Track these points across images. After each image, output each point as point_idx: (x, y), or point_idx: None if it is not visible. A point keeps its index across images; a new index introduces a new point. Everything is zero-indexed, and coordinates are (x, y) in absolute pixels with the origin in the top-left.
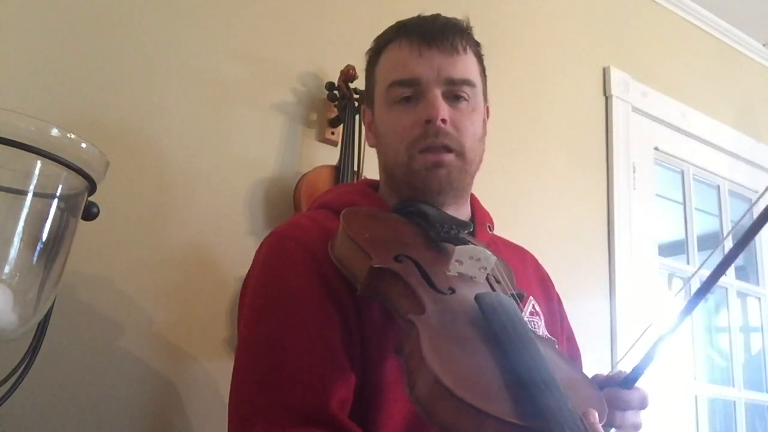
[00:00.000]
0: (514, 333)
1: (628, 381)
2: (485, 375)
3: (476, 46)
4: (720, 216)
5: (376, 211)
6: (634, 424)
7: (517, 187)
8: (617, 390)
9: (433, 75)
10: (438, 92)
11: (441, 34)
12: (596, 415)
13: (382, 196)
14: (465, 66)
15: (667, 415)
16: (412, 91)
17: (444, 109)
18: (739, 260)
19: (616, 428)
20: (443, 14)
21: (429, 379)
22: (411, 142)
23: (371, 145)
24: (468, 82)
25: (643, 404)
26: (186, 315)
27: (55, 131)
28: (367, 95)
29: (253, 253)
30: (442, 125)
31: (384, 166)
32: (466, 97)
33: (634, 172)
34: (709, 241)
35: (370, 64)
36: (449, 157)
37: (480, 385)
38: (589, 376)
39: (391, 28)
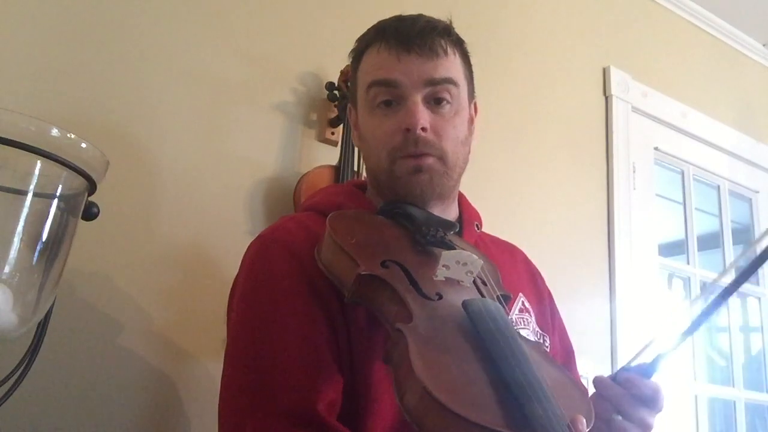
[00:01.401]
0: (502, 340)
1: (645, 370)
2: (474, 384)
3: (459, 45)
4: (720, 216)
5: (362, 213)
6: (643, 420)
7: (517, 186)
8: (633, 375)
9: (413, 79)
10: (418, 98)
11: (420, 38)
12: (584, 421)
13: (369, 198)
14: (446, 67)
15: (667, 415)
16: (391, 94)
17: (424, 117)
18: (739, 260)
19: (625, 417)
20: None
21: (418, 390)
22: (392, 149)
23: (356, 145)
24: (450, 81)
25: (655, 394)
26: (185, 315)
27: (55, 131)
28: (351, 95)
29: None
30: (422, 134)
31: (368, 170)
32: (449, 99)
33: (634, 172)
34: (709, 241)
35: (353, 65)
36: (430, 161)
37: (469, 394)
38: (590, 375)
39: (370, 29)
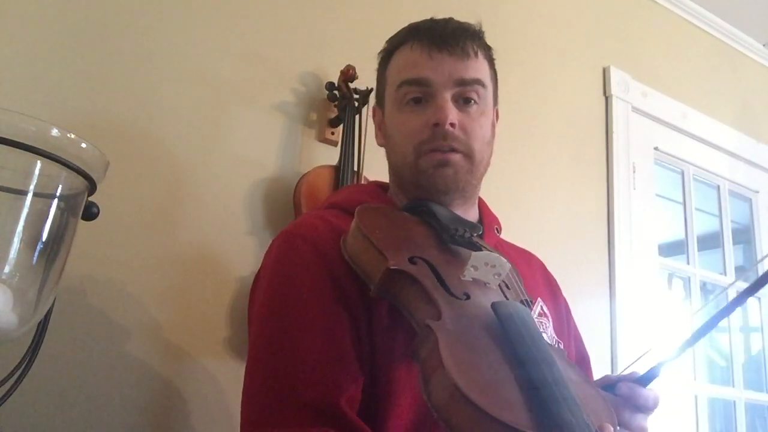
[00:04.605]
0: (532, 344)
1: (645, 379)
2: (502, 384)
3: (488, 50)
4: (720, 216)
5: (388, 209)
6: (641, 426)
7: (517, 187)
8: (634, 386)
9: (444, 78)
10: (448, 96)
11: (452, 38)
12: (611, 430)
13: (391, 197)
14: (476, 68)
15: (667, 415)
16: (421, 92)
17: (453, 113)
18: (739, 260)
19: (622, 426)
20: (444, 13)
21: (447, 386)
22: (419, 143)
23: (380, 145)
24: (479, 82)
25: (655, 404)
26: (186, 315)
27: (55, 131)
28: (377, 96)
29: (253, 253)
30: (451, 129)
31: (392, 167)
32: (476, 100)
33: (634, 172)
34: (709, 241)
35: (381, 66)
36: (456, 157)
37: (498, 394)
38: (597, 377)
39: (402, 30)
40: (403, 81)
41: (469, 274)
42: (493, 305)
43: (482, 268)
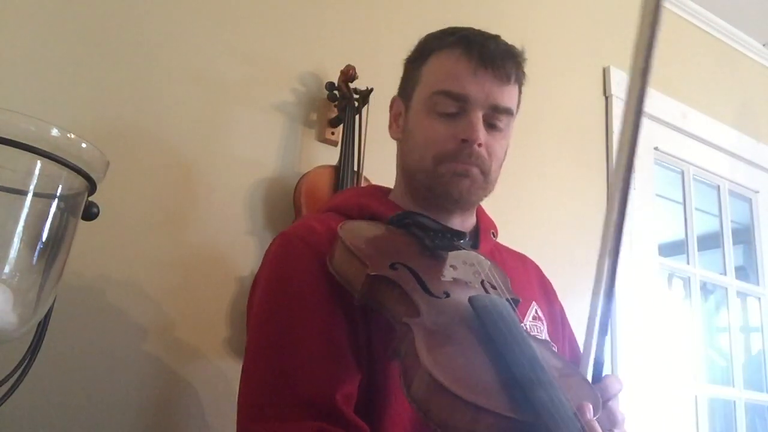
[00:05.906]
0: (507, 331)
1: (596, 375)
2: (479, 372)
3: (523, 77)
4: (720, 216)
5: (372, 223)
6: (619, 411)
7: (517, 187)
8: (597, 386)
9: (482, 97)
10: (480, 115)
11: (500, 59)
12: (591, 408)
13: (393, 200)
14: (510, 96)
15: (667, 415)
16: (457, 107)
17: (483, 134)
18: (739, 260)
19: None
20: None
21: (423, 377)
22: (440, 153)
23: (394, 138)
24: (509, 111)
25: (621, 385)
26: (186, 315)
27: (55, 131)
28: (403, 87)
29: (253, 253)
30: (478, 148)
31: (404, 167)
32: (501, 127)
33: (634, 172)
34: (709, 241)
35: (416, 60)
36: (476, 170)
37: (474, 380)
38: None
39: (447, 31)
40: (441, 90)
41: (449, 274)
42: (470, 299)
43: (461, 266)
